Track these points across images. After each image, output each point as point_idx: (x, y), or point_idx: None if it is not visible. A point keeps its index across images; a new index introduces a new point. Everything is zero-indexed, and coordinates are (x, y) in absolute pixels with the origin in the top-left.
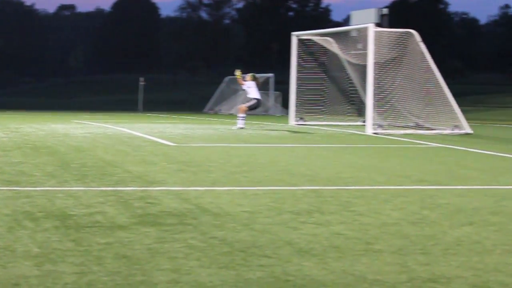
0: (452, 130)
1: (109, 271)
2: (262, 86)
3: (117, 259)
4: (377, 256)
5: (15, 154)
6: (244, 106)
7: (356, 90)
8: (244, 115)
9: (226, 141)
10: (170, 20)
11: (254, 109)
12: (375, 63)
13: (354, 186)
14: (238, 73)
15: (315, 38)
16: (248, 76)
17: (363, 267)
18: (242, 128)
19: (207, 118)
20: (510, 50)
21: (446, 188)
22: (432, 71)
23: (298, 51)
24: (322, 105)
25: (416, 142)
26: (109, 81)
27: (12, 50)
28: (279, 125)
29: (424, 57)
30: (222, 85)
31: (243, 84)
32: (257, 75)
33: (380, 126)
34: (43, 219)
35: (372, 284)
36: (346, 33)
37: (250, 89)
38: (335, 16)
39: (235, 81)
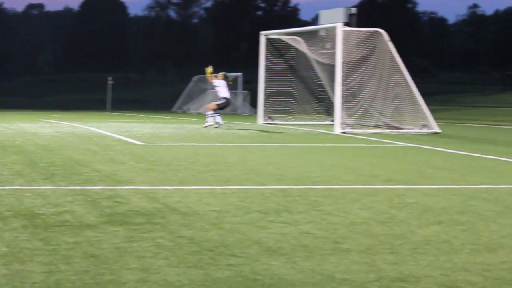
0: (421, 129)
1: (77, 270)
2: (231, 86)
3: (85, 258)
4: (345, 255)
5: None
6: (213, 104)
7: (324, 89)
8: (212, 112)
9: (194, 140)
10: (138, 19)
11: (223, 108)
12: (344, 63)
13: (322, 185)
14: (209, 69)
15: (284, 38)
16: (220, 75)
17: (331, 266)
18: (211, 125)
19: (175, 117)
20: (478, 50)
21: (415, 188)
22: (401, 71)
23: (267, 50)
24: (290, 104)
25: (384, 142)
26: (78, 80)
27: None
28: (247, 124)
29: (392, 56)
30: (191, 84)
31: (212, 81)
32: (228, 74)
33: (349, 125)
34: (11, 218)
35: (341, 283)
36: (314, 32)
37: (220, 88)
38: (304, 16)
39: (203, 80)
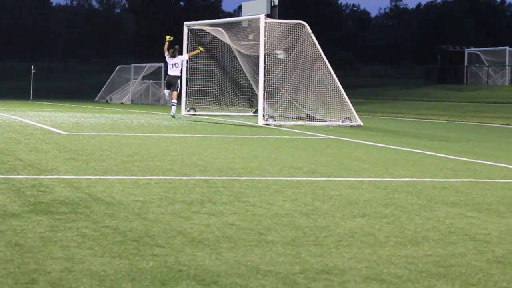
0: (343, 122)
1: (2, 259)
2: (153, 76)
3: (9, 247)
4: (270, 247)
5: None
6: (176, 91)
7: (247, 80)
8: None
9: (117, 130)
10: (60, 8)
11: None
12: (266, 54)
13: (246, 176)
14: (169, 38)
15: (207, 28)
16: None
17: (256, 258)
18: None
19: (98, 107)
20: (401, 43)
21: (338, 180)
22: (323, 63)
23: (189, 41)
24: (213, 96)
25: (307, 134)
26: (0, 69)
27: None
28: (170, 115)
29: (315, 48)
30: (114, 74)
31: (169, 54)
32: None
33: (272, 117)
34: None
35: (265, 275)
36: (237, 23)
37: (179, 66)
38: (226, 7)
39: (126, 71)
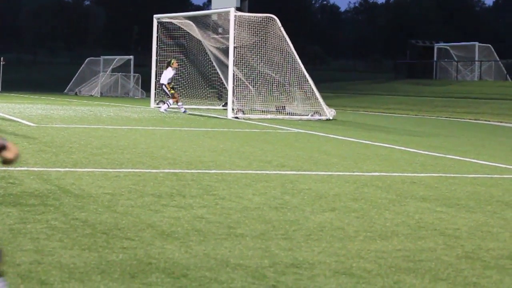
0: (313, 115)
1: None
2: (122, 69)
3: None
4: (239, 241)
5: None
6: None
7: (217, 74)
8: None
9: (86, 122)
10: None
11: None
12: (236, 47)
13: (215, 170)
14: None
15: (176, 21)
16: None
17: (225, 251)
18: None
19: (67, 99)
20: (369, 37)
21: (307, 174)
22: (293, 57)
23: (159, 34)
24: (183, 89)
25: (276, 127)
26: None
27: None
28: (139, 108)
29: (285, 42)
30: (83, 67)
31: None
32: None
33: (241, 110)
34: None
35: (235, 268)
36: (206, 17)
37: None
38: (196, 0)
39: (95, 63)
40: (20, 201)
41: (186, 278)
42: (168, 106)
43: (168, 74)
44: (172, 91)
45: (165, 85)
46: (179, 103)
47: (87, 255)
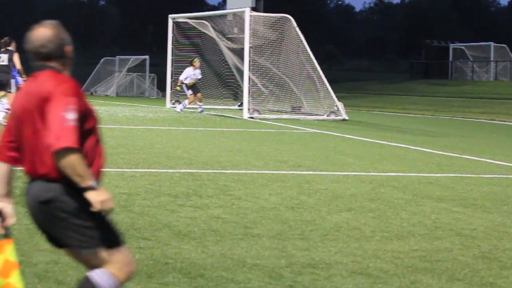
0: (328, 116)
1: None
2: (138, 69)
3: None
4: (256, 241)
5: None
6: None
7: (232, 74)
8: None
9: (102, 122)
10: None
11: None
12: (252, 48)
13: (232, 170)
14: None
15: (191, 21)
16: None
17: (242, 251)
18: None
19: None
20: (385, 38)
21: (323, 174)
22: (309, 57)
23: (174, 34)
24: (198, 89)
25: (292, 128)
26: None
27: None
28: (155, 108)
29: (300, 42)
30: (98, 66)
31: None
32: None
33: (257, 110)
34: None
35: (252, 268)
36: (222, 17)
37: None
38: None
39: (110, 63)
40: None
41: (202, 278)
42: (184, 106)
43: (188, 72)
44: (191, 93)
45: (185, 84)
46: (199, 103)
47: None
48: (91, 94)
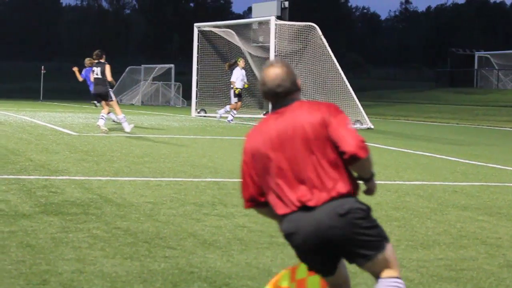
0: (354, 124)
1: (14, 259)
2: (163, 77)
3: (21, 248)
4: (281, 249)
5: None
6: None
7: (257, 82)
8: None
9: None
10: (70, 8)
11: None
12: (277, 56)
13: None
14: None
15: (217, 30)
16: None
17: (267, 260)
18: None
19: None
20: (410, 46)
21: None
22: (334, 65)
23: (200, 42)
24: (223, 97)
25: None
26: (10, 68)
27: None
28: (180, 116)
29: (325, 50)
30: (124, 75)
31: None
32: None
33: None
34: None
35: None
36: (247, 25)
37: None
38: (236, 8)
39: (136, 71)
40: (62, 210)
41: (227, 287)
42: (233, 116)
43: (237, 73)
44: (236, 100)
45: (235, 88)
46: (234, 111)
47: (129, 264)
48: (117, 103)
